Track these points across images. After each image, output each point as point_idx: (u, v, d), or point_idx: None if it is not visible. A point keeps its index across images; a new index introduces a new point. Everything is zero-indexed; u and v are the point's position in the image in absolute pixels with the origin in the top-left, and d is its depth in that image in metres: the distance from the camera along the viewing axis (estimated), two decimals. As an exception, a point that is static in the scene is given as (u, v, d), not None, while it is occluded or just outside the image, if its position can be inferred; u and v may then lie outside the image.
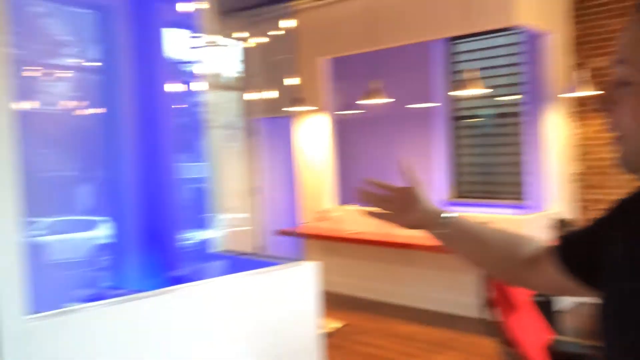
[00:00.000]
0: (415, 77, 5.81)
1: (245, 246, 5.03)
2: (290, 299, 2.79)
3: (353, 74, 5.84)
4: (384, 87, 5.08)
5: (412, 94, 5.80)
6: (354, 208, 5.40)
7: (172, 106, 5.34)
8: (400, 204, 1.09)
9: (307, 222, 5.91)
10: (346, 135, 6.09)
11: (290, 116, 5.84)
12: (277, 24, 5.33)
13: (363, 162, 6.15)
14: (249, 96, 5.95)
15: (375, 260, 5.52)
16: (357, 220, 5.23)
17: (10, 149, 1.87)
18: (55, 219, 5.52)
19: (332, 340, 4.04)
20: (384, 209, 1.11)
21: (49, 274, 4.54)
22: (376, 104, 5.15)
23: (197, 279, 4.15)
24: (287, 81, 5.46)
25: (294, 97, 5.50)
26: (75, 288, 4.43)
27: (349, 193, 5.96)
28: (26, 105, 4.87)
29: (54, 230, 5.43)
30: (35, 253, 4.57)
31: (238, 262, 3.64)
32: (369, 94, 5.05)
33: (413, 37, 5.11)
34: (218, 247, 4.22)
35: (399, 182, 1.12)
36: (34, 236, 5.08)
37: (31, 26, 5.07)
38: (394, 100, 5.37)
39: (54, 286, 4.39)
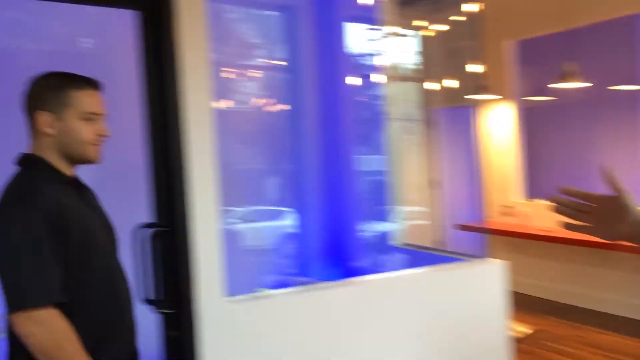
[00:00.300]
0: (617, 57, 5.17)
1: (424, 240, 4.93)
2: (474, 298, 2.64)
3: (542, 57, 5.38)
4: (580, 69, 4.59)
5: (613, 76, 5.18)
6: (543, 203, 4.99)
7: (353, 100, 5.41)
8: (604, 216, 0.96)
9: (490, 216, 5.61)
10: (534, 123, 5.65)
11: (472, 105, 5.58)
12: (458, 9, 5.11)
13: (554, 153, 5.66)
14: (428, 86, 5.81)
15: (567, 260, 5.05)
16: (546, 216, 4.81)
17: (211, 145, 2.00)
18: (247, 208, 5.95)
19: (522, 346, 3.77)
20: (584, 221, 0.98)
21: (241, 260, 4.91)
22: (570, 88, 4.68)
23: (376, 272, 4.16)
24: (470, 69, 5.21)
25: (477, 85, 5.23)
26: (264, 274, 4.73)
27: (537, 187, 5.53)
28: (222, 104, 5.31)
29: (246, 219, 5.86)
30: (229, 240, 4.96)
31: (418, 257, 3.56)
32: (562, 78, 4.60)
33: (614, 12, 4.54)
34: (397, 241, 4.18)
35: (600, 187, 0.97)
36: (229, 224, 5.55)
37: (226, 31, 5.51)
38: (592, 84, 4.83)
39: (246, 271, 4.73)
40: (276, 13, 5.86)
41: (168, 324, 1.88)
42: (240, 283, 4.45)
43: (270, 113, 5.53)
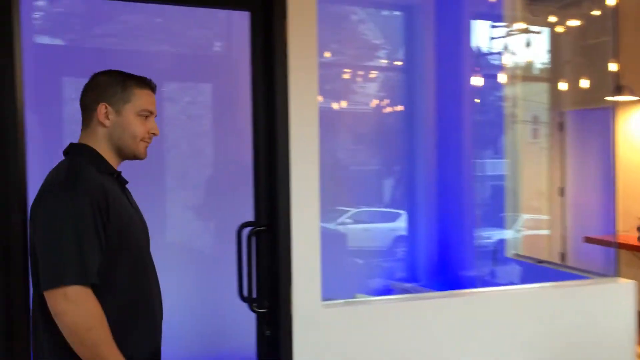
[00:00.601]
0: None
1: (543, 252, 4.59)
2: (599, 320, 2.38)
3: None
4: None
5: None
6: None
7: (474, 100, 5.18)
8: None
9: (624, 230, 5.09)
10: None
11: (608, 107, 5.10)
12: (592, 3, 4.68)
13: None
14: (557, 87, 5.40)
15: None
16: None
17: (315, 145, 1.98)
18: (360, 209, 5.93)
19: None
20: None
21: (348, 261, 4.89)
22: None
23: (487, 284, 3.93)
24: (606, 67, 4.76)
25: (615, 85, 4.76)
26: (370, 277, 4.67)
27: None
28: (342, 104, 5.33)
29: (358, 219, 5.84)
30: (338, 240, 4.97)
31: (534, 270, 3.31)
32: None
33: None
34: (513, 251, 3.92)
35: None
36: (341, 224, 5.56)
37: (349, 32, 5.52)
38: None
39: (351, 273, 4.71)
40: (399, 13, 5.77)
41: (263, 323, 1.88)
42: (344, 285, 4.44)
43: (387, 114, 5.46)
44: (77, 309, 1.32)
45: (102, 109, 1.50)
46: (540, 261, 3.64)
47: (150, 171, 3.88)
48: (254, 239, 1.88)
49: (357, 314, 2.01)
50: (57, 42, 4.09)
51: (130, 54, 4.02)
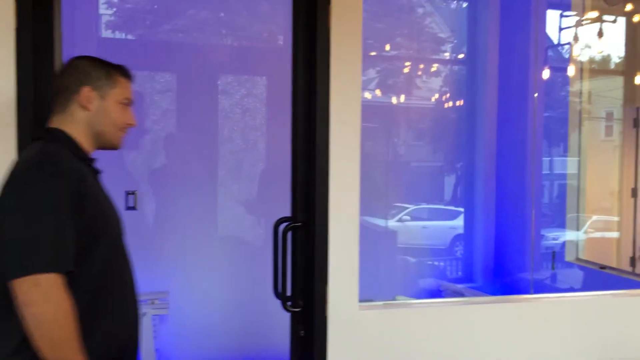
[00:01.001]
0: None
1: (611, 256, 4.30)
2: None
3: None
4: None
5: None
6: None
7: (542, 95, 4.93)
8: None
9: None
10: None
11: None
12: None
13: None
14: (633, 81, 5.05)
15: None
16: None
17: (356, 142, 1.90)
18: (418, 206, 5.81)
19: None
20: None
21: (401, 259, 4.78)
22: None
23: (545, 289, 3.72)
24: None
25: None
26: (423, 276, 4.55)
27: None
28: (404, 99, 5.22)
29: (416, 217, 5.72)
30: (393, 238, 4.88)
31: (598, 277, 3.09)
32: None
33: None
34: (576, 255, 3.69)
35: None
36: (401, 221, 5.47)
37: (413, 24, 5.40)
38: None
39: (405, 271, 4.59)
40: (465, 3, 5.57)
41: (297, 323, 1.83)
42: (392, 284, 4.34)
43: (449, 109, 5.30)
44: (46, 300, 1.22)
45: (85, 91, 1.44)
46: (603, 267, 3.40)
47: (203, 163, 3.93)
48: (289, 235, 1.83)
49: (396, 317, 1.92)
50: (129, 36, 4.23)
51: (190, 47, 4.07)
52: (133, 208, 3.19)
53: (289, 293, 1.83)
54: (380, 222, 4.87)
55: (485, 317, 2.02)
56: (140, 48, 3.95)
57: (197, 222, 3.68)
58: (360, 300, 1.91)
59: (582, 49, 4.71)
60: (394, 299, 2.08)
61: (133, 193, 3.19)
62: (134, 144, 3.57)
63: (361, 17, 1.91)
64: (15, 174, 1.33)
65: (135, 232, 1.85)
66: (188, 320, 3.46)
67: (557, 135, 5.75)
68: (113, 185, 1.67)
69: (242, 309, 3.45)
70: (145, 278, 2.02)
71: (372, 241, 4.41)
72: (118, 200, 1.60)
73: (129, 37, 4.25)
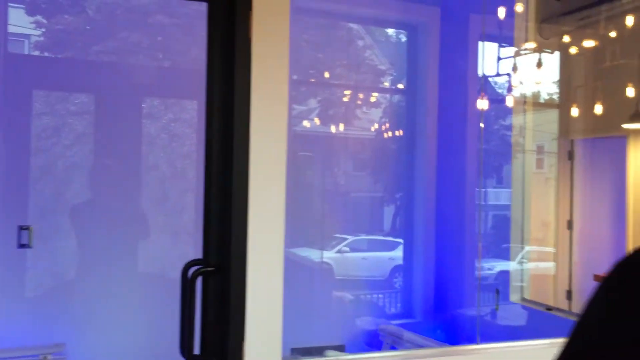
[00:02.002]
0: None
1: (548, 288, 4.23)
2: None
3: None
4: None
5: None
6: None
7: (478, 126, 4.89)
8: None
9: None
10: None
11: (623, 136, 4.78)
12: (608, 24, 4.40)
13: None
14: (568, 113, 5.09)
15: None
16: None
17: (281, 169, 1.66)
18: (357, 237, 5.67)
19: None
20: None
21: (338, 295, 4.57)
22: None
23: (489, 327, 3.57)
24: (624, 92, 4.44)
25: (635, 111, 4.44)
26: (361, 315, 4.32)
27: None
28: (343, 129, 5.09)
29: (357, 248, 5.58)
30: (330, 272, 4.68)
31: (540, 319, 2.95)
32: None
33: None
34: (521, 295, 3.57)
35: None
36: (341, 252, 5.29)
37: (357, 57, 5.37)
38: None
39: (342, 309, 4.37)
40: (403, 33, 5.54)
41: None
42: (328, 325, 4.10)
43: (388, 139, 5.22)
44: None
45: None
46: (549, 308, 3.27)
47: (123, 193, 3.60)
48: (199, 282, 1.56)
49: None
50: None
51: (111, 67, 3.78)
52: (26, 245, 2.80)
53: (197, 351, 1.55)
54: (317, 254, 4.67)
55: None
56: (53, 67, 3.61)
57: (113, 259, 3.32)
58: (290, 354, 1.65)
59: (519, 81, 4.72)
60: (323, 355, 1.83)
61: (27, 228, 2.79)
62: (38, 171, 3.20)
63: (287, 23, 1.68)
64: None
65: (24, 273, 1.54)
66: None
67: (495, 167, 5.77)
68: (6, 218, 1.36)
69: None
70: (38, 329, 1.69)
71: (306, 277, 4.18)
72: (8, 237, 1.29)
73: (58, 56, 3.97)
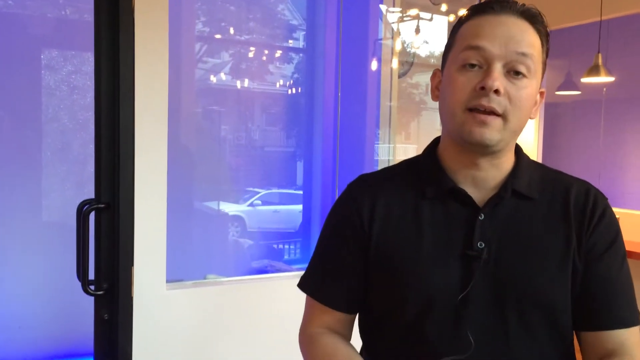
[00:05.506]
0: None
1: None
2: None
3: (568, 49, 5.05)
4: (606, 63, 4.28)
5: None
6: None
7: (378, 85, 5.21)
8: None
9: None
10: (556, 124, 5.33)
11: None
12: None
13: (577, 157, 5.32)
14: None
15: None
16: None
17: (163, 119, 1.88)
18: (269, 190, 5.89)
19: None
20: None
21: (239, 243, 4.84)
22: (599, 83, 4.38)
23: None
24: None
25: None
26: (259, 258, 4.64)
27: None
28: (256, 85, 5.22)
29: (269, 201, 5.80)
30: (242, 221, 4.90)
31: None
32: (589, 72, 4.30)
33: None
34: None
35: None
36: (251, 205, 5.51)
37: (270, 11, 5.41)
38: (617, 79, 4.50)
39: (242, 254, 4.66)
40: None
41: (101, 306, 1.79)
42: (225, 265, 4.39)
43: (297, 95, 5.41)
44: None
45: None
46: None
47: (24, 144, 3.64)
48: (92, 218, 1.78)
49: (206, 296, 1.96)
50: None
51: (5, 18, 3.72)
52: None
53: (91, 277, 1.78)
54: (231, 207, 4.86)
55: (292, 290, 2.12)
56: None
57: (16, 210, 3.41)
58: (175, 280, 1.92)
59: (419, 46, 5.05)
60: (204, 278, 2.10)
61: None
62: None
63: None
64: None
65: None
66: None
67: (401, 124, 6.14)
68: None
69: (57, 299, 3.26)
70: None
71: (216, 229, 4.41)
72: None
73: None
